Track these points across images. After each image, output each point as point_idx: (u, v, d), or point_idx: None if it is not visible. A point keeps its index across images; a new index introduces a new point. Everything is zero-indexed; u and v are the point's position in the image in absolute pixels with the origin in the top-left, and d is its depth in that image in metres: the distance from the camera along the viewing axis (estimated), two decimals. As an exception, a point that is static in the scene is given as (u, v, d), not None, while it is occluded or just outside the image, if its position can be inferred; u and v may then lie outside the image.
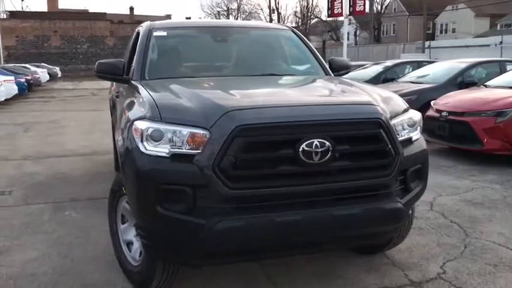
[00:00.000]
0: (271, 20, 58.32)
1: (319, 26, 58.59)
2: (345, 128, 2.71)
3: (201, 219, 2.54)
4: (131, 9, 58.45)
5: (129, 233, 3.29)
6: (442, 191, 5.44)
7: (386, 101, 3.05)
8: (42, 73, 30.44)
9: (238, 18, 59.85)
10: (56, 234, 4.22)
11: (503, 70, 9.26)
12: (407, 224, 3.45)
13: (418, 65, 12.27)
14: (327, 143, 2.58)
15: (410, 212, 3.33)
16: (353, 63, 17.99)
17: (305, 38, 4.53)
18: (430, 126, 7.42)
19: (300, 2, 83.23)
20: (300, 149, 2.54)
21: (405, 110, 3.13)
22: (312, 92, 3.46)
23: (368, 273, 3.43)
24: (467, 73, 9.36)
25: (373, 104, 2.86)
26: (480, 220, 4.50)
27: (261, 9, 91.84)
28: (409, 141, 3.01)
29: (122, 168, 2.90)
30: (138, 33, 4.44)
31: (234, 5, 64.04)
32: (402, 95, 8.76)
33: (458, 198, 5.19)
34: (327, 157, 2.59)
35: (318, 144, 2.56)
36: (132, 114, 2.96)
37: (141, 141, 2.64)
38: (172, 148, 2.59)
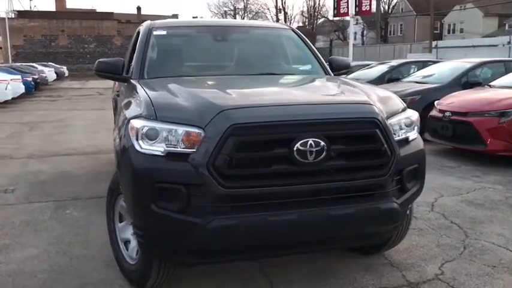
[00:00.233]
0: (277, 20, 58.30)
1: (326, 26, 58.51)
2: (340, 128, 2.71)
3: (195, 218, 2.55)
4: (138, 8, 58.74)
5: (126, 232, 3.31)
6: (444, 192, 5.41)
7: (383, 100, 3.04)
8: (49, 72, 30.64)
9: (245, 17, 59.89)
10: (56, 233, 4.24)
11: (508, 70, 9.18)
12: (405, 224, 3.44)
13: (423, 64, 12.21)
14: (322, 143, 2.57)
15: (407, 212, 3.32)
16: (358, 63, 17.99)
17: (305, 38, 4.52)
18: (433, 126, 7.42)
19: (307, 2, 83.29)
20: (295, 148, 2.54)
21: (402, 110, 3.11)
22: (308, 92, 3.46)
23: (365, 274, 3.42)
24: (472, 73, 9.31)
25: (369, 104, 2.85)
26: (481, 221, 4.47)
27: (268, 8, 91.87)
28: (405, 141, 2.99)
29: (118, 166, 2.92)
30: (138, 33, 4.45)
31: (241, 5, 64.12)
32: (406, 95, 8.90)
33: (460, 198, 5.17)
34: (321, 156, 2.59)
35: (313, 143, 2.56)
36: (128, 112, 2.97)
37: (137, 139, 2.66)
38: (167, 147, 2.60)
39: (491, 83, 8.11)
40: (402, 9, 57.92)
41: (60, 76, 35.98)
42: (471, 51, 26.02)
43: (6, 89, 16.60)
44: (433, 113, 7.49)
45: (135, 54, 3.98)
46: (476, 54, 19.68)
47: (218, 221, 2.54)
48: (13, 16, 47.71)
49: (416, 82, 9.79)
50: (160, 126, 2.64)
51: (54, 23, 46.31)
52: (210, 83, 3.42)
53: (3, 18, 45.61)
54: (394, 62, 13.25)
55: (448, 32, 53.45)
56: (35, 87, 23.00)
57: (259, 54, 4.38)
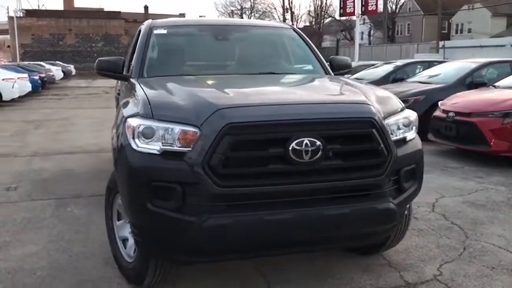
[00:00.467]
0: (284, 19, 58.25)
1: (333, 26, 58.33)
2: (336, 127, 2.70)
3: (191, 217, 2.55)
4: (146, 8, 58.89)
5: (124, 230, 3.32)
6: (446, 192, 5.39)
7: (381, 100, 3.03)
8: (56, 71, 30.83)
9: (252, 17, 59.89)
10: (57, 230, 4.27)
11: (514, 70, 9.13)
12: (403, 224, 3.42)
13: (429, 64, 12.16)
14: (318, 142, 2.57)
15: (406, 212, 3.31)
16: (363, 62, 17.94)
17: (306, 37, 4.52)
18: (436, 127, 7.38)
19: (313, 1, 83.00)
20: (290, 148, 2.54)
21: (401, 110, 3.10)
22: (306, 91, 3.45)
23: (363, 274, 3.42)
24: (477, 73, 9.26)
25: (366, 103, 2.84)
26: (482, 222, 4.44)
27: (275, 8, 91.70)
28: (403, 141, 2.98)
29: (115, 164, 2.94)
30: (139, 32, 4.46)
31: (248, 4, 64.10)
32: (410, 95, 8.88)
33: (461, 199, 5.14)
34: (317, 156, 2.58)
35: (308, 143, 2.55)
36: (126, 111, 2.98)
37: (133, 138, 2.66)
38: (163, 145, 2.61)
39: (496, 84, 8.05)
40: (410, 8, 57.67)
41: (67, 75, 36.19)
42: (478, 52, 25.86)
43: (13, 87, 16.72)
44: (437, 113, 7.46)
45: (135, 53, 4.00)
46: (484, 55, 19.54)
47: (213, 220, 2.54)
48: (21, 15, 48.08)
49: (421, 82, 9.75)
50: (156, 124, 2.64)
51: (61, 22, 46.61)
52: (208, 82, 3.42)
53: (12, 17, 45.98)
54: (399, 62, 13.19)
55: (456, 32, 53.14)
56: (42, 86, 23.15)
57: (260, 53, 4.38)
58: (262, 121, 2.59)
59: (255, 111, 2.65)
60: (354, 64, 16.84)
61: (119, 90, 4.76)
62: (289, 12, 61.27)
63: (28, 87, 19.00)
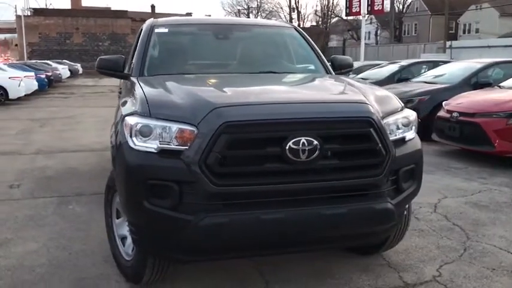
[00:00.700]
0: (291, 19, 58.18)
1: (340, 25, 58.16)
2: (333, 126, 2.69)
3: (187, 215, 2.55)
4: (152, 7, 59.08)
5: (123, 228, 3.32)
6: (448, 193, 5.36)
7: (380, 100, 3.01)
8: (63, 69, 30.99)
9: (259, 17, 59.86)
10: (58, 228, 4.28)
11: (520, 70, 9.06)
12: (403, 225, 3.41)
13: (434, 64, 12.09)
14: (315, 141, 2.56)
15: (405, 212, 3.30)
16: (368, 62, 17.88)
17: (308, 37, 4.50)
18: (440, 127, 7.35)
19: (320, 1, 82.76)
20: (287, 147, 2.53)
21: (400, 110, 3.08)
22: (305, 90, 3.44)
23: (362, 274, 3.40)
24: (483, 73, 9.20)
25: (365, 103, 2.83)
26: (484, 223, 4.41)
27: (281, 8, 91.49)
28: (402, 141, 2.96)
29: (113, 162, 2.94)
30: (141, 30, 4.47)
31: (255, 4, 64.08)
32: (415, 95, 8.85)
33: (464, 200, 5.11)
34: (314, 155, 2.57)
35: (305, 142, 2.55)
36: (124, 109, 2.99)
37: (131, 136, 2.67)
38: (161, 144, 2.61)
39: (501, 84, 8.00)
40: (417, 8, 57.42)
41: (74, 73, 36.39)
42: (486, 52, 25.70)
43: (19, 85, 16.83)
44: (441, 113, 7.42)
45: (136, 52, 4.00)
46: (492, 55, 19.42)
47: (210, 219, 2.54)
48: (29, 14, 48.37)
49: (426, 82, 9.71)
50: (154, 123, 2.64)
51: (69, 20, 46.86)
52: (207, 80, 3.42)
53: (20, 16, 46.28)
54: (404, 62, 13.14)
55: (464, 32, 52.86)
56: (48, 84, 23.27)
57: (260, 52, 4.37)
58: (259, 120, 2.58)
59: (252, 110, 2.64)
60: (359, 64, 16.84)
61: (120, 89, 4.78)
62: (296, 11, 61.17)
63: (34, 85, 19.11)
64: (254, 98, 2.92)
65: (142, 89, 3.04)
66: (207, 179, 2.50)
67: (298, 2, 76.01)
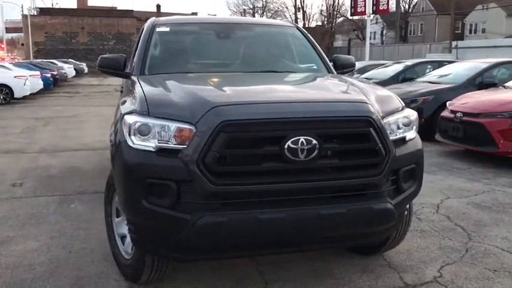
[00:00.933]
0: (296, 19, 58.11)
1: (345, 25, 58.03)
2: (332, 126, 2.67)
3: (185, 214, 2.54)
4: (158, 6, 59.08)
5: (123, 227, 3.32)
6: (451, 194, 5.32)
7: (380, 99, 2.99)
8: (68, 69, 31.12)
9: (264, 16, 59.82)
10: (59, 226, 4.29)
11: (526, 71, 9.00)
12: (403, 225, 3.38)
13: (439, 64, 12.03)
14: (314, 141, 2.54)
15: (406, 213, 3.27)
16: (373, 62, 17.81)
17: (310, 36, 4.48)
18: (444, 127, 7.30)
19: (326, 0, 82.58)
20: (286, 146, 2.52)
21: (401, 109, 3.06)
22: (305, 89, 3.43)
23: (362, 274, 3.38)
24: (487, 73, 9.14)
25: (364, 102, 2.81)
26: (486, 224, 4.38)
27: (287, 7, 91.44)
28: (402, 141, 2.94)
29: (112, 161, 2.94)
30: (143, 29, 4.47)
31: (260, 4, 64.05)
32: (419, 95, 8.81)
33: (467, 201, 5.07)
34: (313, 155, 2.56)
35: (304, 141, 2.53)
36: (124, 108, 2.99)
37: (129, 135, 2.66)
38: (159, 143, 2.60)
39: (506, 84, 7.94)
40: (423, 8, 57.21)
41: (79, 73, 36.54)
42: (492, 52, 25.51)
43: (24, 84, 16.92)
44: (445, 113, 7.38)
45: (137, 50, 4.00)
46: (498, 55, 19.25)
47: (208, 218, 2.53)
48: (35, 13, 48.60)
49: (430, 82, 9.66)
50: (153, 122, 2.64)
51: (74, 20, 47.04)
52: (207, 79, 3.40)
53: (26, 15, 46.51)
54: (409, 62, 13.08)
55: (470, 32, 52.61)
56: (53, 83, 23.37)
57: (262, 51, 4.36)
58: (257, 119, 2.57)
59: (251, 109, 2.63)
60: (363, 63, 16.77)
61: (121, 87, 4.78)
62: (301, 11, 61.08)
63: (40, 84, 19.19)
64: (253, 96, 2.92)
65: (141, 88, 3.03)
66: (205, 178, 2.49)
67: (303, 1, 75.89)
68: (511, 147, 6.35)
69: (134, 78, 3.55)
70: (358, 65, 16.14)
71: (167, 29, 4.23)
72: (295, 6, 61.42)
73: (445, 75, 9.84)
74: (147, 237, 2.79)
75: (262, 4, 63.66)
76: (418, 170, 3.03)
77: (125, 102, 3.15)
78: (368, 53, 19.33)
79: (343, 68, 4.26)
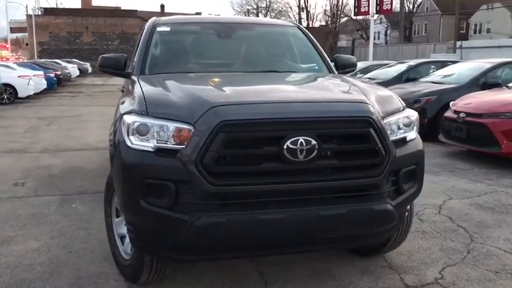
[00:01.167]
0: (300, 19, 58.04)
1: (349, 25, 57.92)
2: (332, 126, 2.65)
3: (183, 215, 2.53)
4: (162, 6, 59.23)
5: (122, 227, 3.30)
6: (454, 194, 5.29)
7: (381, 99, 2.97)
8: (72, 68, 31.23)
9: (268, 16, 59.78)
10: (59, 226, 4.29)
11: (530, 71, 8.94)
12: (404, 226, 3.36)
13: (443, 64, 11.98)
14: (313, 141, 2.53)
15: (406, 213, 3.25)
16: (376, 62, 17.76)
17: (311, 36, 4.46)
18: (447, 128, 7.27)
19: (329, 0, 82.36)
20: (285, 147, 2.50)
21: (401, 109, 3.03)
22: (304, 89, 3.41)
23: (362, 276, 3.36)
24: (491, 74, 9.09)
25: (364, 102, 2.79)
26: (488, 225, 4.35)
27: (290, 7, 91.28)
28: (403, 141, 2.92)
29: (111, 161, 2.93)
30: (144, 29, 4.46)
31: (264, 4, 63.99)
32: (422, 95, 8.78)
33: (469, 202, 5.04)
34: (312, 155, 2.54)
35: (303, 142, 2.51)
36: (123, 108, 2.98)
37: (128, 135, 2.65)
38: (158, 143, 2.59)
39: (510, 84, 7.90)
40: (427, 8, 57.04)
41: (83, 72, 36.67)
42: (497, 52, 25.42)
43: (28, 84, 16.97)
44: (448, 114, 7.34)
45: (137, 50, 4.00)
46: (502, 55, 19.16)
47: (206, 218, 2.51)
48: (39, 13, 48.78)
49: (434, 82, 9.62)
50: (151, 122, 2.63)
51: (78, 20, 47.18)
52: (207, 79, 3.39)
53: (30, 15, 46.69)
54: (413, 62, 13.02)
55: (475, 32, 52.43)
56: (57, 83, 23.44)
57: (263, 51, 4.34)
58: (256, 119, 2.55)
59: (250, 109, 2.61)
60: (367, 63, 16.73)
61: (122, 87, 4.78)
62: (305, 11, 60.98)
63: (43, 84, 19.25)
64: (252, 96, 2.90)
65: (141, 88, 3.02)
66: (203, 178, 2.48)
67: (307, 1, 75.70)
68: (515, 148, 6.31)
69: (134, 78, 3.54)
70: (362, 65, 16.15)
71: (168, 29, 4.22)
72: (299, 6, 61.41)
73: (449, 76, 9.80)
74: (146, 238, 2.78)
75: (266, 4, 63.62)
76: (418, 171, 3.01)
77: (124, 102, 3.14)
78: (372, 53, 19.30)
79: (344, 68, 4.24)
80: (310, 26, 57.75)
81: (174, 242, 2.64)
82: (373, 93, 3.03)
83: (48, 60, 31.40)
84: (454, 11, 37.59)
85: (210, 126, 2.49)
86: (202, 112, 2.56)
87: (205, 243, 2.59)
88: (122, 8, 58.94)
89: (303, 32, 4.49)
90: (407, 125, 2.97)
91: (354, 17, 40.62)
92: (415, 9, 58.06)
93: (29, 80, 17.07)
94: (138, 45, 4.29)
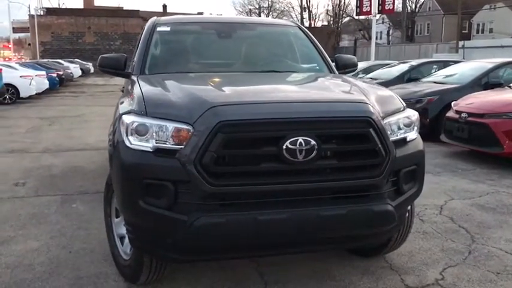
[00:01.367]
0: (302, 19, 58.00)
1: (352, 25, 57.83)
2: (331, 126, 2.64)
3: (182, 215, 2.52)
4: (164, 6, 59.29)
5: (122, 227, 3.29)
6: (455, 195, 5.27)
7: (381, 99, 2.96)
8: (74, 68, 31.26)
9: (270, 16, 59.75)
10: (59, 226, 4.28)
11: (532, 71, 8.91)
12: (405, 227, 3.35)
13: (445, 64, 11.95)
14: (312, 141, 2.51)
15: (407, 214, 3.23)
16: (378, 62, 17.72)
17: (312, 35, 4.45)
18: (449, 128, 7.25)
19: (331, 0, 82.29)
20: (284, 147, 2.49)
21: (402, 109, 3.02)
22: (304, 89, 3.39)
23: (363, 276, 3.35)
24: (493, 74, 9.06)
25: (364, 102, 2.78)
26: (490, 226, 4.33)
27: (292, 7, 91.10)
28: (403, 141, 2.90)
29: (110, 161, 2.93)
30: (144, 29, 4.45)
31: (266, 4, 63.97)
32: (424, 95, 8.76)
33: (471, 202, 5.02)
34: (312, 155, 2.52)
35: (303, 142, 2.50)
36: (122, 108, 2.98)
37: (127, 135, 2.64)
38: (157, 143, 2.58)
39: (512, 84, 7.87)
40: (429, 8, 56.96)
41: (85, 72, 36.71)
42: (499, 52, 25.34)
43: (30, 84, 16.99)
44: (450, 114, 7.32)
45: (137, 50, 3.99)
46: (505, 55, 19.10)
47: (205, 219, 2.50)
48: (42, 13, 48.87)
49: (436, 82, 9.59)
50: (150, 122, 2.62)
51: (81, 20, 47.24)
52: (207, 79, 3.37)
53: (33, 15, 46.79)
54: (415, 62, 13.00)
55: (477, 32, 52.32)
56: (59, 83, 23.47)
57: (263, 51, 4.32)
58: (255, 119, 2.54)
59: (249, 109, 2.60)
60: (369, 63, 16.70)
61: (122, 87, 4.78)
62: (307, 11, 60.94)
63: (45, 84, 19.27)
64: (252, 96, 2.89)
65: (140, 88, 3.02)
66: (202, 178, 2.47)
67: (309, 1, 75.66)
68: (517, 148, 6.28)
69: (134, 77, 3.53)
70: (364, 64, 16.12)
71: (168, 29, 4.21)
72: (301, 6, 61.35)
73: (451, 76, 9.77)
74: (145, 238, 2.77)
75: (268, 4, 63.59)
76: (419, 171, 2.99)
77: (123, 102, 3.14)
78: (374, 53, 19.27)
79: (345, 68, 4.22)
80: (312, 26, 57.75)
81: (173, 243, 2.63)
82: (373, 93, 3.01)
83: (50, 60, 31.45)
84: (456, 11, 37.50)
85: (209, 126, 2.48)
86: (201, 112, 2.55)
87: (205, 243, 2.59)
88: (124, 8, 59.02)
89: (304, 32, 4.48)
90: (408, 125, 2.95)
91: (356, 17, 40.54)
92: (417, 9, 57.95)
93: (30, 80, 17.08)
94: (138, 45, 4.28)
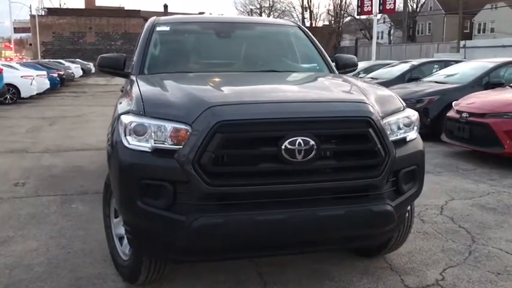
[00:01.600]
0: (303, 18, 57.96)
1: (353, 25, 57.78)
2: (330, 126, 2.63)
3: (180, 216, 2.51)
4: (165, 6, 59.24)
5: (121, 228, 3.27)
6: (456, 195, 5.26)
7: (381, 99, 2.95)
8: (75, 68, 31.29)
9: (271, 16, 59.73)
10: (59, 226, 4.28)
11: (534, 70, 8.89)
12: (405, 227, 3.34)
13: (446, 64, 11.93)
14: (311, 141, 2.50)
15: (407, 214, 3.22)
16: (379, 62, 17.71)
17: (311, 35, 4.44)
18: (450, 128, 7.23)
19: (333, 0, 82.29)
20: (283, 147, 2.48)
21: (401, 109, 3.01)
22: (303, 89, 3.38)
23: (362, 277, 3.33)
24: (495, 73, 9.04)
25: (364, 102, 2.76)
26: (490, 226, 4.31)
27: (293, 7, 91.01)
28: (403, 141, 2.89)
29: (108, 161, 2.92)
30: (143, 29, 4.44)
31: (267, 3, 63.92)
32: (425, 95, 8.75)
33: (471, 202, 5.00)
34: (311, 156, 2.51)
35: (302, 142, 2.49)
36: (120, 108, 2.97)
37: (125, 135, 2.64)
38: (155, 143, 2.58)
39: (513, 84, 7.85)
40: (431, 7, 56.89)
41: (86, 72, 36.73)
42: (501, 51, 25.33)
43: (31, 84, 17.00)
44: (450, 113, 7.30)
45: (137, 50, 3.98)
46: (506, 55, 19.08)
47: (204, 219, 2.49)
48: (43, 13, 48.93)
49: (437, 82, 9.57)
50: (148, 122, 2.61)
51: (82, 20, 47.30)
52: (205, 79, 3.36)
53: (34, 16, 46.84)
54: (416, 61, 12.98)
55: (479, 32, 52.27)
56: (60, 83, 23.49)
57: (262, 51, 4.31)
58: (254, 119, 2.53)
59: (247, 109, 2.59)
60: (370, 63, 16.68)
61: (122, 87, 4.78)
62: (308, 11, 60.85)
63: (46, 84, 19.28)
64: (250, 96, 2.88)
65: (139, 88, 3.01)
66: (200, 178, 2.46)
67: (310, 1, 75.49)
68: (518, 148, 6.26)
69: (133, 77, 3.53)
70: (364, 64, 16.11)
71: (167, 28, 4.20)
72: (302, 6, 61.25)
73: (452, 75, 9.75)
74: (143, 238, 2.77)
75: (269, 4, 63.54)
76: (419, 171, 2.98)
77: (122, 102, 3.13)
78: (375, 53, 19.25)
79: (345, 68, 4.21)
80: (314, 25, 57.64)
81: (171, 243, 2.62)
82: (373, 93, 3.00)
83: (51, 60, 31.47)
84: (457, 11, 37.43)
85: (208, 126, 2.47)
86: (200, 112, 2.54)
87: (203, 244, 2.58)
88: (125, 8, 59.08)
89: (304, 32, 4.47)
90: (408, 125, 2.94)
91: (357, 17, 40.57)
92: (418, 9, 57.87)
93: (31, 80, 17.09)
94: (137, 45, 4.28)
